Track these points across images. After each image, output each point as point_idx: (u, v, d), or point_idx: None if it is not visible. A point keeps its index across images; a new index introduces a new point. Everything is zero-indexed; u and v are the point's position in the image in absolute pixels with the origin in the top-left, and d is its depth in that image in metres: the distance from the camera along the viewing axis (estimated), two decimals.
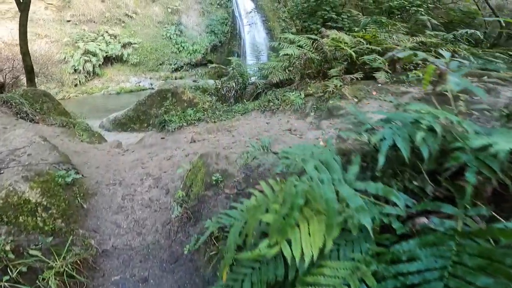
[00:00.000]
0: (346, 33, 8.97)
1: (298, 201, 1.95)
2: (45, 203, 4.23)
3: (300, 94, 7.87)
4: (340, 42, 8.03)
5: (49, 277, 3.43)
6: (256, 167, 4.34)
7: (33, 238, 3.81)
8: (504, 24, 10.64)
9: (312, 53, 8.46)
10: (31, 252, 3.60)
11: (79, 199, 4.73)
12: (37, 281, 3.43)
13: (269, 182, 2.56)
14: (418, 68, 7.81)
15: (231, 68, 9.87)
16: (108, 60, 25.99)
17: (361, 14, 10.53)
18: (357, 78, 7.65)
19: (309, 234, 1.90)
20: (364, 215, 1.90)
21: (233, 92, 9.64)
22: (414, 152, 2.14)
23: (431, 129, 2.11)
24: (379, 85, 7.47)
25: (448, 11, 12.05)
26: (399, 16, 10.85)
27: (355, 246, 2.07)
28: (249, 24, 27.20)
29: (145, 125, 13.81)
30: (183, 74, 27.95)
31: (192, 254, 4.01)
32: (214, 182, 4.36)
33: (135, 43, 26.61)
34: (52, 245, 3.79)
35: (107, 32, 26.16)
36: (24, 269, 3.43)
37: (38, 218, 4.06)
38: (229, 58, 27.56)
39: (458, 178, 2.12)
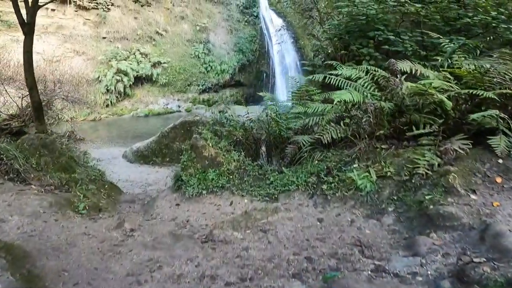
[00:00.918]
0: (420, 64, 5.77)
1: None
2: None
3: (369, 174, 4.66)
4: (427, 86, 4.77)
5: None
6: None
7: None
8: None
9: (382, 99, 5.26)
10: None
11: None
12: None
13: None
14: None
15: (263, 111, 6.63)
16: (139, 80, 23.21)
17: (431, 33, 7.06)
18: (461, 149, 4.34)
19: None
20: None
21: (264, 146, 6.51)
22: None
23: None
24: (500, 161, 4.21)
25: None
26: (480, 35, 7.42)
27: None
28: (279, 43, 23.93)
29: (167, 159, 11.59)
30: (210, 96, 25.28)
31: None
32: None
33: (164, 63, 23.74)
34: None
35: (138, 50, 23.40)
36: None
37: None
38: (259, 79, 24.83)
39: None
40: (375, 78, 5.89)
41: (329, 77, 6.43)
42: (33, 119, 10.54)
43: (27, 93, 10.54)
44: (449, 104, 4.53)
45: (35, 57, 10.18)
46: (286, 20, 28.36)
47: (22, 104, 12.93)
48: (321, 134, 5.52)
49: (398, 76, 5.33)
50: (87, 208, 6.06)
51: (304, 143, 5.66)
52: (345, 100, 5.18)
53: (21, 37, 9.47)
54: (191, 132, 11.32)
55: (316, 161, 5.45)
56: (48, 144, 7.58)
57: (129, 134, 17.27)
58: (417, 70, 5.48)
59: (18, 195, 5.72)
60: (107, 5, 23.44)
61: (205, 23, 26.02)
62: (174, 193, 6.56)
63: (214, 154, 6.22)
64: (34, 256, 3.94)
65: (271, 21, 28.34)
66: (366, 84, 5.75)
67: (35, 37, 9.77)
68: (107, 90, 21.72)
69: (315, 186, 5.04)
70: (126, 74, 22.21)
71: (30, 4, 9.08)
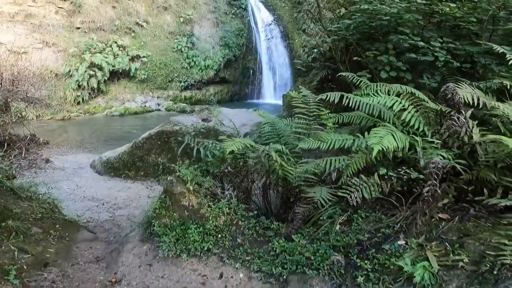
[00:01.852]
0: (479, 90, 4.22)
1: None
2: None
3: (427, 261, 3.09)
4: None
5: None
6: None
7: None
8: None
9: (439, 146, 3.66)
10: None
11: None
12: None
13: None
14: None
15: (261, 150, 4.80)
16: (115, 75, 21.22)
17: (492, 44, 5.44)
18: None
19: None
20: None
21: (263, 189, 4.91)
22: None
23: None
24: None
25: None
26: None
27: None
28: (268, 39, 22.24)
29: (141, 173, 10.10)
30: (193, 93, 23.49)
31: None
32: None
33: (144, 56, 21.77)
34: None
35: (116, 42, 21.43)
36: None
37: None
38: (244, 74, 23.21)
39: None
40: (418, 107, 4.31)
41: (351, 100, 4.81)
42: None
43: None
44: None
45: None
46: (276, 14, 26.87)
47: None
48: (347, 190, 3.91)
49: (462, 111, 3.70)
50: (23, 270, 4.43)
51: (323, 203, 4.04)
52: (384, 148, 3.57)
53: None
54: (169, 143, 9.80)
55: (339, 227, 3.86)
56: None
57: (102, 137, 15.44)
58: (479, 100, 3.91)
59: None
60: None
61: (189, 14, 24.11)
62: (144, 244, 4.95)
63: (196, 204, 4.57)
64: None
65: (260, 14, 26.83)
66: (411, 118, 4.13)
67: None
68: (79, 86, 19.72)
69: (343, 272, 3.43)
70: (100, 68, 20.26)
71: None
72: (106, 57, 20.61)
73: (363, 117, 5.18)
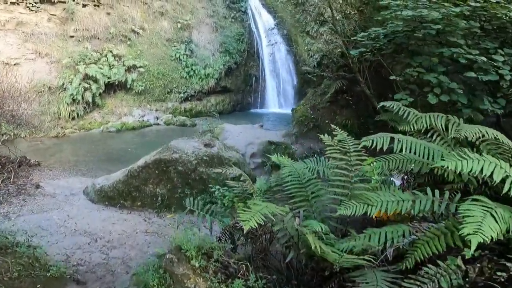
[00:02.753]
0: None
1: None
2: None
3: None
4: None
5: None
6: None
7: None
8: None
9: None
10: None
11: None
12: None
13: None
14: None
15: (289, 225, 3.49)
16: (111, 87, 20.05)
17: None
18: None
19: None
20: None
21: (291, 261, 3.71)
22: None
23: None
24: None
25: None
26: None
27: None
28: (271, 45, 21.06)
29: (138, 203, 9.17)
30: (193, 104, 22.34)
31: None
32: None
33: (140, 66, 20.61)
34: None
35: (111, 51, 20.25)
36: None
37: None
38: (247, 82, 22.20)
39: None
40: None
41: (407, 145, 3.62)
42: None
43: None
44: None
45: None
46: (277, 16, 25.80)
47: None
48: (416, 281, 2.71)
49: None
50: None
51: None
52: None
53: None
54: (168, 173, 8.87)
55: None
56: None
57: (97, 157, 14.39)
58: None
59: None
60: None
61: (187, 19, 22.94)
62: None
63: None
64: None
65: (261, 17, 25.75)
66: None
67: None
68: (73, 100, 18.54)
69: None
70: (95, 80, 19.07)
71: None
72: (101, 68, 19.44)
73: (417, 162, 3.99)
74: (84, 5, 20.43)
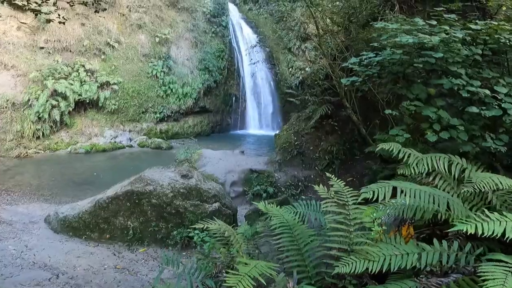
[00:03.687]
0: None
1: None
2: None
3: None
4: None
5: None
6: None
7: None
8: None
9: None
10: None
11: None
12: None
13: None
14: None
15: None
16: (81, 105, 19.46)
17: None
18: None
19: None
20: None
21: None
22: None
23: None
24: None
25: None
26: None
27: None
28: (254, 63, 20.82)
29: (107, 235, 8.68)
30: (170, 126, 21.82)
31: None
32: None
33: (114, 83, 20.09)
34: None
35: (83, 66, 19.66)
36: None
37: None
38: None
39: None
40: None
41: (411, 194, 3.35)
42: None
43: None
44: None
45: None
46: (259, 31, 25.80)
47: None
48: None
49: None
50: None
51: None
52: None
53: None
54: (141, 205, 8.45)
55: None
56: None
57: (62, 181, 13.72)
58: None
59: None
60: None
61: (166, 34, 22.60)
62: None
63: None
64: None
65: (242, 32, 25.72)
66: None
67: None
68: (39, 118, 17.86)
69: None
70: (65, 97, 18.47)
71: None
72: (72, 84, 18.84)
73: (420, 209, 3.73)
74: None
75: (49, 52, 19.51)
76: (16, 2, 16.57)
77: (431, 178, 4.35)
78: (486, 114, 4.73)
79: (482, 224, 2.84)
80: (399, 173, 4.34)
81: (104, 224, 8.58)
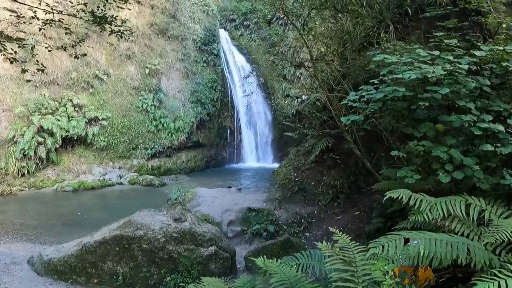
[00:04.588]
0: None
1: None
2: None
3: None
4: None
5: None
6: None
7: None
8: None
9: None
10: None
11: None
12: None
13: None
14: None
15: None
16: (69, 141, 19.39)
17: None
18: None
19: None
20: None
21: None
22: None
23: None
24: None
25: None
26: None
27: None
28: (248, 95, 20.80)
29: (95, 280, 8.41)
30: (162, 162, 21.73)
31: None
32: None
33: (103, 119, 20.08)
34: None
35: (71, 101, 19.68)
36: None
37: None
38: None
39: None
40: None
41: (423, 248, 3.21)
42: None
43: None
44: None
45: None
46: (252, 58, 25.95)
47: None
48: None
49: None
50: None
51: None
52: None
53: None
54: (131, 250, 8.21)
55: None
56: None
57: (47, 221, 13.42)
58: None
59: None
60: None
61: (155, 64, 22.70)
62: None
63: None
64: None
65: (234, 60, 25.91)
66: None
67: None
68: (24, 155, 17.75)
69: None
70: (51, 134, 18.41)
71: None
72: (59, 120, 18.80)
73: (436, 257, 3.60)
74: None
75: (36, 86, 19.47)
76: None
77: (447, 223, 4.22)
78: (502, 152, 4.62)
79: (506, 280, 2.73)
80: (410, 220, 4.21)
81: (91, 268, 8.33)
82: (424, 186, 5.22)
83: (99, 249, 8.28)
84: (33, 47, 10.53)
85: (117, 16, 9.90)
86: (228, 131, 24.65)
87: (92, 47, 20.82)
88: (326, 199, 10.58)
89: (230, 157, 24.75)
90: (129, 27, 10.18)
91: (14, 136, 17.89)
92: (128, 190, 18.11)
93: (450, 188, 4.78)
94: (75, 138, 19.36)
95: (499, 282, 2.73)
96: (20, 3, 10.27)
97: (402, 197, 4.27)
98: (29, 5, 9.87)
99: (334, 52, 11.47)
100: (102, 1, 9.03)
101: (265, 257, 4.34)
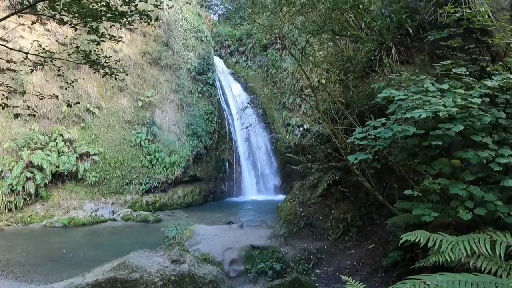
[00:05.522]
0: None
1: None
2: None
3: None
4: None
5: None
6: None
7: None
8: None
9: None
10: None
11: None
12: None
13: None
14: None
15: None
16: (59, 177, 19.28)
17: None
18: None
19: None
20: None
21: None
22: None
23: None
24: None
25: None
26: None
27: None
28: (246, 128, 20.77)
29: None
30: (157, 197, 21.42)
31: None
32: None
33: (95, 154, 20.00)
34: None
35: (61, 135, 19.67)
36: None
37: None
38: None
39: None
40: None
41: None
42: None
43: None
44: None
45: None
46: (249, 87, 26.04)
47: None
48: None
49: None
50: None
51: None
52: None
53: None
54: None
55: None
56: None
57: (36, 257, 13.19)
58: None
59: None
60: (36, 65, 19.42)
61: (149, 96, 22.72)
62: None
63: None
64: None
65: (231, 89, 26.00)
66: None
67: None
68: (12, 191, 17.62)
69: None
70: (41, 169, 18.33)
71: None
72: (49, 155, 18.74)
73: None
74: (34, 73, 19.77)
75: (25, 120, 19.30)
76: None
77: (472, 261, 4.19)
78: None
79: None
80: (430, 261, 4.19)
81: None
82: (444, 220, 5.19)
83: None
84: (23, 93, 10.59)
85: (110, 56, 10.04)
86: (227, 163, 24.56)
87: (84, 79, 20.94)
88: (336, 233, 10.37)
89: (229, 190, 24.57)
90: (124, 68, 10.28)
91: (2, 171, 17.79)
92: (122, 226, 17.86)
93: (473, 219, 4.73)
94: (66, 173, 19.25)
95: None
96: (11, 49, 10.38)
97: (419, 240, 4.25)
98: (20, 51, 9.95)
99: (335, 81, 11.55)
100: (95, 41, 9.04)
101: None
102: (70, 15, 7.91)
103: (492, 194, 4.76)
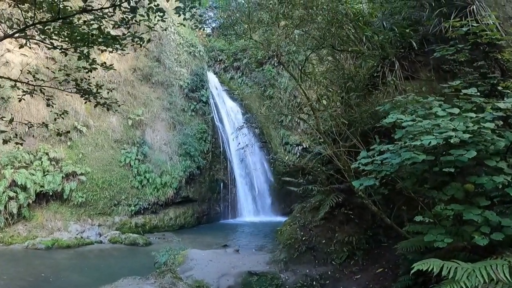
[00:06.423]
0: None
1: None
2: None
3: None
4: None
5: None
6: None
7: None
8: None
9: None
10: None
11: None
12: None
13: None
14: None
15: None
16: (43, 197, 19.08)
17: None
18: None
19: None
20: None
21: None
22: None
23: None
24: None
25: None
26: None
27: None
28: (242, 148, 20.67)
29: None
30: (147, 219, 21.24)
31: None
32: None
33: (82, 174, 19.84)
34: None
35: (47, 154, 19.54)
36: None
37: None
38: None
39: None
40: None
41: None
42: None
43: None
44: None
45: None
46: (244, 105, 26.03)
47: None
48: None
49: None
50: None
51: None
52: None
53: None
54: None
55: None
56: None
57: (16, 281, 12.97)
58: None
59: None
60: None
61: (139, 114, 22.61)
62: None
63: None
64: None
65: (225, 107, 25.96)
66: None
67: None
68: None
69: None
70: (24, 189, 18.19)
71: None
72: (33, 174, 18.60)
73: None
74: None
75: (10, 137, 19.28)
76: None
77: (490, 287, 4.18)
78: None
79: None
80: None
81: None
82: (458, 244, 5.17)
83: None
84: (11, 120, 10.62)
85: (103, 85, 10.12)
86: (222, 184, 24.47)
87: (71, 96, 20.51)
88: (341, 257, 10.18)
89: (224, 211, 24.45)
90: (116, 99, 10.40)
91: None
92: (109, 249, 17.63)
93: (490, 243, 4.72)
94: (51, 193, 19.07)
95: None
96: (1, 77, 10.46)
97: (432, 269, 4.24)
98: (9, 78, 9.99)
99: (336, 100, 11.57)
100: (86, 68, 9.10)
101: None
102: (60, 39, 7.92)
103: (509, 219, 4.75)
